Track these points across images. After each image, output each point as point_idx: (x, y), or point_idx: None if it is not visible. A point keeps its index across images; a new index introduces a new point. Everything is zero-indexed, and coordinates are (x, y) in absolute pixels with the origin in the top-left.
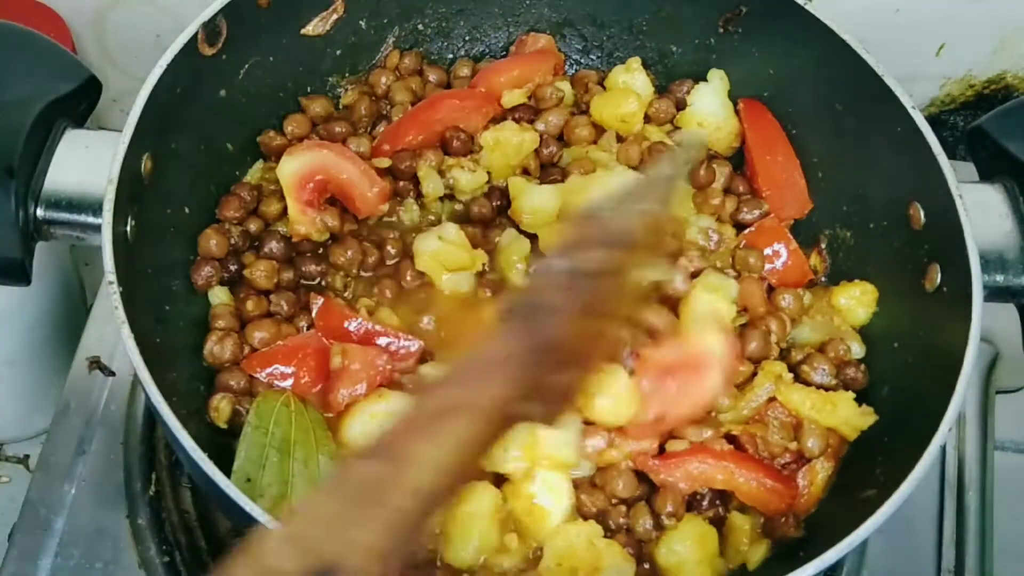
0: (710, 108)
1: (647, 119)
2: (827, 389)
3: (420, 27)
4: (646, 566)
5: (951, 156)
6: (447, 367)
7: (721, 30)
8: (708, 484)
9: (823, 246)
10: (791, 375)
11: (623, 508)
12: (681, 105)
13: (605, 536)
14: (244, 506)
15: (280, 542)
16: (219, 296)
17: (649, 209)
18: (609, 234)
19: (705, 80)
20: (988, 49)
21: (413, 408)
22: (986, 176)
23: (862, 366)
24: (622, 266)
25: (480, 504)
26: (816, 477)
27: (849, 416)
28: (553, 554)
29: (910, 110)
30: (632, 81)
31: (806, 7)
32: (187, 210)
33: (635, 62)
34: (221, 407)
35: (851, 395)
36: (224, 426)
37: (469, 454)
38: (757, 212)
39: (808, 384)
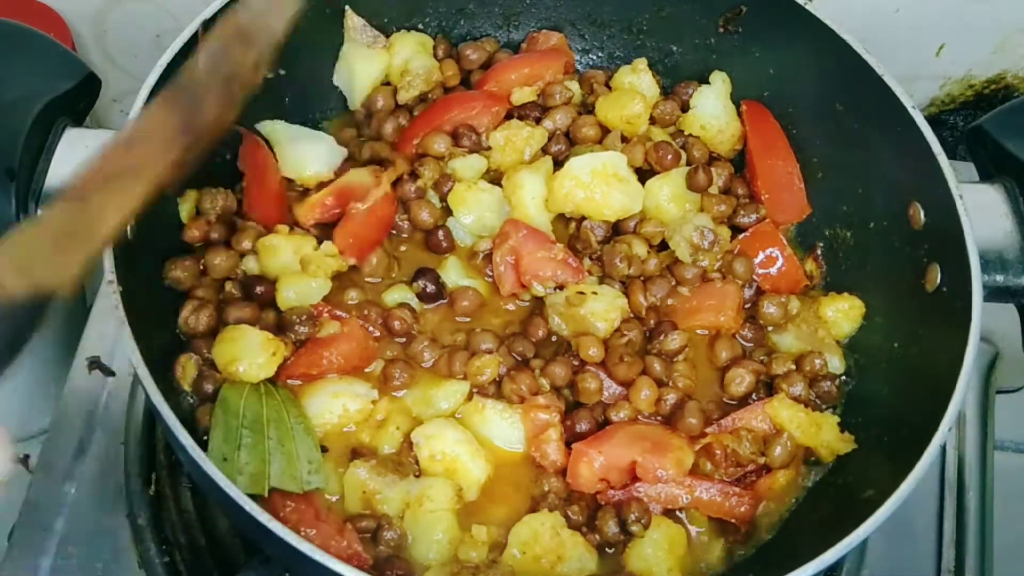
0: (712, 110)
1: (652, 120)
2: (804, 403)
3: (420, 27)
4: (617, 561)
5: (951, 156)
6: (120, 133)
7: (721, 30)
8: (673, 504)
9: (819, 252)
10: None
11: (584, 506)
12: (686, 107)
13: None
14: (244, 506)
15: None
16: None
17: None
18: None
19: (707, 82)
20: (988, 49)
21: (95, 165)
22: (986, 176)
23: (836, 381)
24: (244, 55)
25: (438, 500)
26: (776, 484)
27: (830, 440)
28: (517, 542)
29: (910, 110)
30: (638, 82)
31: (806, 7)
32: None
33: (641, 63)
34: (187, 367)
35: (835, 419)
36: (187, 388)
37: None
38: (754, 216)
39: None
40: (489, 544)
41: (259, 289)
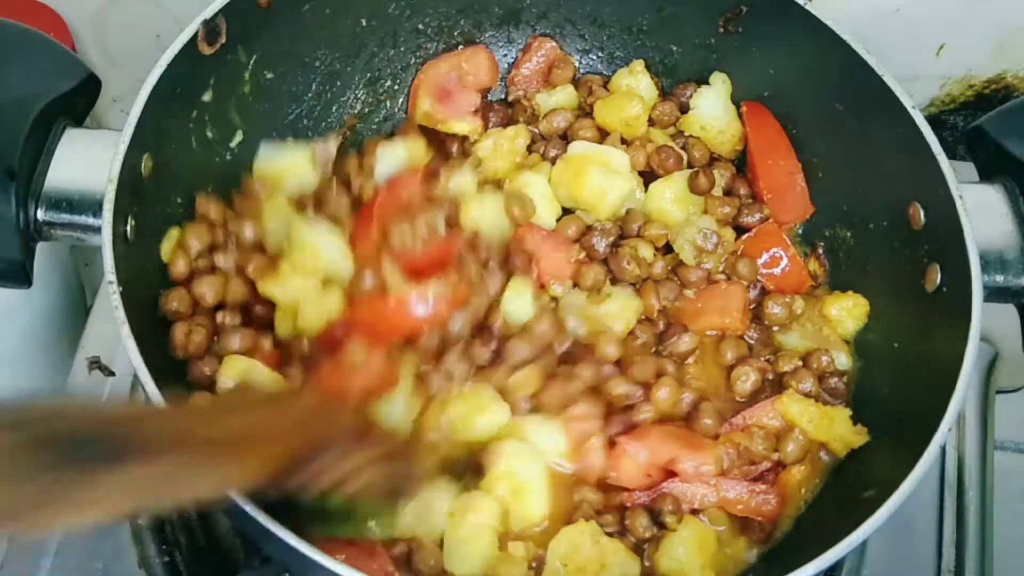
0: (712, 111)
1: (651, 122)
2: (815, 399)
3: (420, 27)
4: (647, 564)
5: (951, 156)
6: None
7: (721, 30)
8: (701, 503)
9: (820, 251)
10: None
11: (616, 513)
12: (685, 108)
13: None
14: (244, 506)
15: None
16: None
17: None
18: None
19: (707, 82)
20: (988, 49)
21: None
22: (986, 176)
23: (844, 377)
24: None
25: (481, 515)
26: (792, 480)
27: (843, 433)
28: (558, 555)
29: (910, 110)
30: (636, 84)
31: (806, 7)
32: (186, 210)
33: (639, 65)
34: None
35: (847, 412)
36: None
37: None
38: (758, 216)
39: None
40: (528, 560)
41: (259, 309)
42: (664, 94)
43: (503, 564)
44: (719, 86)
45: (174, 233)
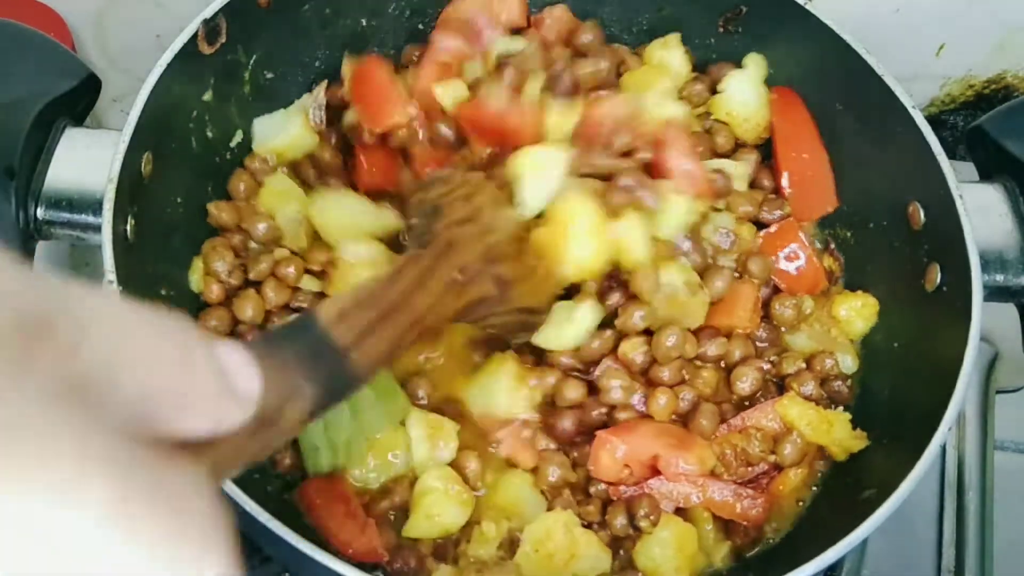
0: (741, 96)
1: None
2: (816, 402)
3: (420, 27)
4: (622, 557)
5: (951, 156)
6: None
7: (721, 30)
8: (685, 503)
9: (833, 246)
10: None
11: (599, 504)
12: (715, 89)
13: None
14: (244, 505)
15: None
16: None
17: None
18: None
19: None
20: (988, 49)
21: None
22: (986, 176)
23: (848, 380)
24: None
25: (438, 481)
26: (789, 483)
27: (843, 437)
28: (531, 540)
29: (910, 110)
30: (669, 57)
31: (806, 7)
32: (186, 210)
33: (674, 38)
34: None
35: (847, 416)
36: None
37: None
38: (779, 212)
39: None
40: (500, 539)
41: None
42: (698, 69)
43: (473, 542)
44: (752, 69)
45: (198, 264)
